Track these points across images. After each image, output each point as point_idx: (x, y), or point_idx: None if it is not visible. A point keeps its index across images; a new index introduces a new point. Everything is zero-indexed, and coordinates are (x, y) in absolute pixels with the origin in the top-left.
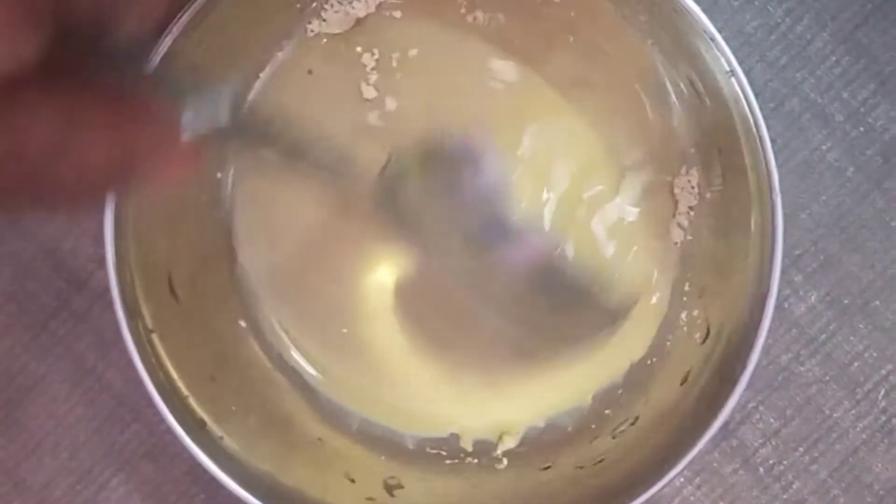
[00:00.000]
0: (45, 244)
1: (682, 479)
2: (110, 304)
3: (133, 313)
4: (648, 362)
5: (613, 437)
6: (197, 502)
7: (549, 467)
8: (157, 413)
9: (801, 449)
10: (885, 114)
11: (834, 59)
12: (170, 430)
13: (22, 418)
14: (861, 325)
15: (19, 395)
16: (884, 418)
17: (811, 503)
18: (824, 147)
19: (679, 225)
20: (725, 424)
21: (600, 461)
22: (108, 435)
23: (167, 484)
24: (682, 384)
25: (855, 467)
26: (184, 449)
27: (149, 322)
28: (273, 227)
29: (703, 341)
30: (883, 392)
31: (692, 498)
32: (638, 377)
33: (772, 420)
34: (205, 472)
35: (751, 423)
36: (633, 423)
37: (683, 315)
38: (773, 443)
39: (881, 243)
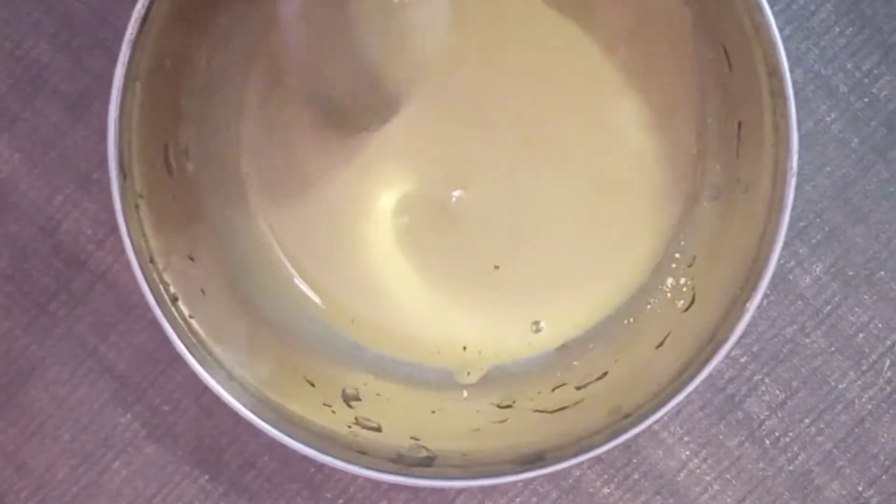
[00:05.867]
0: (43, 226)
1: (687, 453)
2: (111, 285)
3: (126, 173)
4: (625, 321)
5: (578, 389)
6: (200, 483)
7: (508, 406)
8: (162, 387)
9: (806, 420)
10: (889, 84)
11: (838, 29)
12: (173, 411)
13: (23, 401)
14: (866, 296)
15: (20, 377)
16: (889, 389)
17: (817, 474)
18: (829, 118)
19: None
20: (731, 397)
21: (561, 409)
22: (111, 417)
23: (170, 465)
24: (657, 347)
25: (861, 438)
26: (187, 429)
27: (138, 186)
28: (279, 110)
29: (686, 309)
30: (888, 363)
31: (698, 471)
32: (612, 334)
33: (777, 392)
34: (208, 452)
35: (756, 395)
36: (599, 378)
37: (669, 281)
38: (779, 415)
39: (886, 214)
